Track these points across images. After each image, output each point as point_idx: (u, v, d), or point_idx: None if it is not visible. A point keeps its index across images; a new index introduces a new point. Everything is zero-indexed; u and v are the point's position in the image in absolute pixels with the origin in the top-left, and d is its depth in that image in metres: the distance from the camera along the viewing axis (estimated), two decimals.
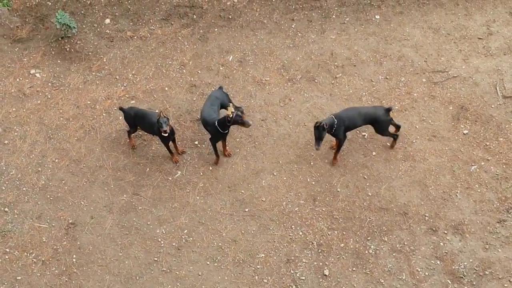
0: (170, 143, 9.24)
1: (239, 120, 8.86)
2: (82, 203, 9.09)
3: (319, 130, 8.81)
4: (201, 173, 9.34)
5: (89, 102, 10.05)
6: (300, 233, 8.77)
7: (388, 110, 9.13)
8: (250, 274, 8.47)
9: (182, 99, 10.08)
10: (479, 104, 9.97)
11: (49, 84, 10.24)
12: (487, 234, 8.75)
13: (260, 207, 9.01)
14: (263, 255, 8.60)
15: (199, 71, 10.42)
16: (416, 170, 9.34)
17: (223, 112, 9.09)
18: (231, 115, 8.80)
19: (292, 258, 8.58)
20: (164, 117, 8.82)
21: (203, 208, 9.02)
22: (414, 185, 9.20)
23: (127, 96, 10.10)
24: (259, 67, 10.49)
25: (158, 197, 9.11)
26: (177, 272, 8.49)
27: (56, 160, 9.46)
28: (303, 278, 8.43)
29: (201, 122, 9.39)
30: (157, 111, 9.33)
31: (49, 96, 10.11)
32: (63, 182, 9.26)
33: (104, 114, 9.92)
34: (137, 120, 9.25)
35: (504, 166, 9.35)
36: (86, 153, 9.55)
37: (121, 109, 9.40)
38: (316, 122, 8.82)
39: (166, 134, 8.87)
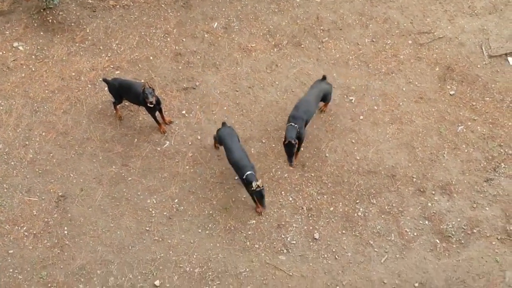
0: (157, 113, 9.20)
1: (258, 197, 8.38)
2: (71, 175, 9.08)
3: (290, 147, 8.51)
4: (190, 143, 9.34)
5: (73, 74, 9.96)
6: (290, 199, 8.84)
7: (325, 78, 9.19)
8: (241, 240, 8.55)
9: (168, 68, 10.01)
10: (465, 65, 9.98)
11: (33, 56, 10.12)
12: (475, 193, 8.86)
13: None
14: (254, 221, 8.68)
15: (184, 39, 10.33)
16: (403, 133, 9.38)
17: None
18: (255, 188, 8.27)
19: (283, 223, 8.67)
20: (149, 87, 8.76)
21: (193, 177, 9.04)
22: (402, 147, 9.26)
23: (111, 66, 10.01)
24: (244, 33, 10.40)
25: (147, 168, 9.12)
26: (169, 241, 8.56)
27: (43, 133, 9.41)
28: (294, 242, 8.53)
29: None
30: (142, 81, 9.27)
31: (33, 69, 10.00)
32: (51, 155, 9.23)
33: (89, 86, 9.84)
34: (122, 91, 9.18)
35: (490, 126, 9.41)
36: (73, 126, 9.50)
37: (104, 80, 9.31)
38: (284, 140, 8.48)
39: (152, 105, 8.83)
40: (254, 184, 8.20)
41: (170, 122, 9.46)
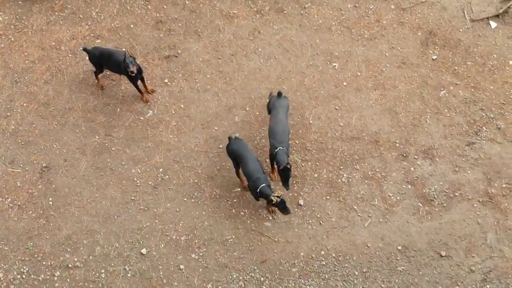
0: (139, 82, 9.14)
1: (281, 206, 8.10)
2: (54, 146, 9.03)
3: (286, 171, 8.14)
4: (173, 112, 9.30)
5: (53, 43, 9.82)
6: (275, 166, 8.88)
7: (280, 94, 8.75)
8: (227, 208, 8.61)
9: (149, 36, 9.89)
10: (447, 29, 9.99)
11: (12, 26, 9.93)
12: (457, 157, 8.97)
13: None
14: (239, 189, 8.72)
15: (165, 6, 10.19)
16: (386, 98, 9.42)
17: None
18: (275, 200, 8.02)
19: None
20: (130, 56, 8.68)
21: (177, 146, 9.04)
22: (385, 113, 9.31)
23: (92, 35, 9.87)
24: None
25: (131, 137, 9.09)
26: (155, 210, 8.59)
27: (25, 104, 9.32)
28: None
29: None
30: (123, 49, 9.17)
31: (12, 39, 9.84)
32: (33, 126, 9.16)
33: (70, 55, 9.71)
34: (102, 61, 9.08)
35: (472, 90, 9.48)
36: (55, 96, 9.41)
37: (85, 49, 9.19)
38: (279, 165, 8.12)
39: (134, 74, 8.76)
40: (273, 197, 7.96)
41: (153, 91, 9.40)
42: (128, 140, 9.07)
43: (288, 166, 8.09)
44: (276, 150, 8.24)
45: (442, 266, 8.23)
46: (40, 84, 9.49)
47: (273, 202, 7.98)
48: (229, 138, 8.47)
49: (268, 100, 8.91)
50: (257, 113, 9.29)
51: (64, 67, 9.62)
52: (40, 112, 9.27)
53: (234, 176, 8.76)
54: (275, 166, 8.32)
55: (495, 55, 9.76)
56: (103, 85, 9.42)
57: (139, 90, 9.21)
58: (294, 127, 9.15)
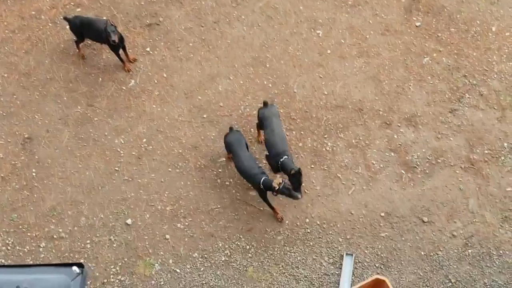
0: (120, 51, 9.02)
1: (286, 192, 7.89)
2: (36, 117, 8.94)
3: (297, 176, 7.88)
4: (156, 81, 9.22)
5: (33, 13, 9.62)
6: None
7: (266, 104, 8.46)
8: (212, 178, 8.63)
9: (130, 4, 9.73)
10: None
11: None
12: (439, 124, 9.03)
13: (218, 113, 9.03)
14: (224, 159, 8.73)
15: None
16: (370, 66, 9.41)
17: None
18: (278, 186, 7.83)
19: None
20: (112, 25, 8.55)
21: (160, 116, 8.99)
22: (369, 81, 9.31)
23: (72, 4, 9.68)
24: None
25: (113, 107, 9.01)
26: (139, 180, 8.59)
27: (5, 75, 9.18)
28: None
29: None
30: (104, 18, 9.02)
31: None
32: (15, 96, 9.04)
33: (50, 24, 9.54)
34: (83, 30, 8.93)
35: (455, 57, 9.49)
36: (36, 66, 9.27)
37: (65, 18, 9.02)
38: (291, 171, 7.86)
39: (115, 43, 8.64)
40: (274, 183, 7.81)
41: (134, 60, 9.29)
42: (111, 110, 9.00)
43: (299, 171, 7.89)
44: (281, 160, 8.01)
45: (424, 232, 8.35)
46: (21, 54, 9.34)
47: (276, 188, 7.82)
48: (230, 129, 8.32)
49: (257, 118, 8.51)
50: (241, 82, 9.24)
51: (45, 37, 9.46)
52: (21, 83, 9.14)
53: (219, 146, 8.77)
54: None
55: (478, 22, 9.76)
56: (84, 55, 9.29)
57: (121, 59, 9.10)
58: (278, 96, 9.14)
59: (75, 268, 7.31)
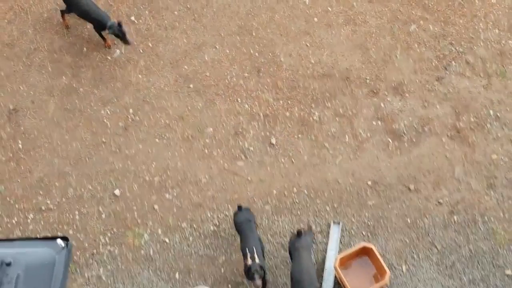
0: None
1: None
2: (21, 88, 8.85)
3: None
4: (141, 51, 9.13)
5: None
6: (246, 106, 8.86)
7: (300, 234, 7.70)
8: (199, 149, 8.63)
9: None
10: None
11: None
12: (426, 92, 9.05)
13: (205, 82, 8.98)
14: (211, 129, 8.72)
15: None
16: (357, 34, 9.36)
17: None
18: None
19: (240, 130, 8.74)
20: (119, 24, 8.56)
21: (146, 86, 8.92)
22: (355, 49, 9.28)
23: None
24: None
25: (98, 78, 8.93)
26: (127, 151, 8.57)
27: None
28: (251, 148, 8.65)
29: None
30: None
31: None
32: None
33: None
34: (72, 3, 8.80)
35: (442, 24, 9.46)
36: (19, 36, 9.13)
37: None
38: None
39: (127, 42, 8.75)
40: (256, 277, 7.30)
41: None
42: (96, 80, 8.91)
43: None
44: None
45: (410, 200, 8.44)
46: (4, 25, 9.18)
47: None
48: (239, 207, 7.80)
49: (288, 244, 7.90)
50: (227, 51, 9.17)
51: (27, 6, 9.29)
52: (4, 53, 9.02)
53: (205, 116, 8.77)
54: None
55: None
56: (68, 25, 9.15)
57: (103, 37, 8.97)
58: (265, 65, 9.10)
59: (59, 241, 7.15)
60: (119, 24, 8.56)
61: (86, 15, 8.77)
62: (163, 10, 9.37)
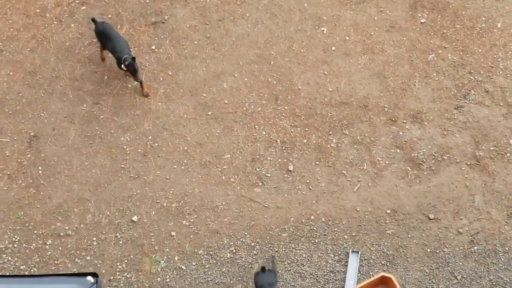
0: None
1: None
2: (42, 115, 8.98)
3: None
4: (161, 79, 9.24)
5: (38, 11, 9.67)
6: (264, 133, 8.90)
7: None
8: (217, 175, 8.65)
9: (135, 2, 9.75)
10: None
11: None
12: (445, 121, 9.02)
13: (223, 110, 9.05)
14: (229, 155, 8.75)
15: None
16: (375, 63, 9.40)
17: None
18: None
19: (257, 156, 8.76)
20: (132, 58, 8.62)
21: (166, 113, 9.01)
22: (373, 77, 9.31)
23: (77, 1, 9.71)
24: None
25: (119, 105, 9.04)
26: (145, 178, 8.61)
27: (11, 73, 9.22)
28: (269, 175, 8.65)
29: None
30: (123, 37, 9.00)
31: None
32: (20, 95, 9.08)
33: (55, 22, 9.58)
34: (102, 38, 8.91)
35: (461, 53, 9.48)
36: (41, 64, 9.31)
37: (93, 20, 8.98)
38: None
39: (139, 80, 8.78)
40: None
41: (147, 95, 9.15)
42: (117, 108, 9.03)
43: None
44: None
45: (430, 229, 8.34)
46: (26, 52, 9.38)
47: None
48: (263, 268, 7.67)
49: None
50: (246, 79, 9.25)
51: (50, 35, 9.49)
52: (26, 81, 9.18)
53: (223, 143, 8.80)
54: None
55: (483, 18, 9.74)
56: (105, 58, 9.24)
57: (141, 85, 9.05)
58: (282, 93, 9.15)
59: (89, 278, 7.24)
60: (133, 59, 8.63)
61: (113, 53, 8.87)
62: (183, 39, 9.51)
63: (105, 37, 8.88)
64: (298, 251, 8.22)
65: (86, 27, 9.50)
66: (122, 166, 8.67)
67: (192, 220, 8.37)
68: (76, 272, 7.93)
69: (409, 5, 9.84)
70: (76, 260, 8.12)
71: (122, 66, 8.69)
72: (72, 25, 9.40)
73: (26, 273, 8.04)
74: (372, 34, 9.61)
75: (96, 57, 9.33)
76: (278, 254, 8.15)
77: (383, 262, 8.17)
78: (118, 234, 8.28)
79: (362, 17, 9.71)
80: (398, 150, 8.82)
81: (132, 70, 8.66)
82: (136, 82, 8.95)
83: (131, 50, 8.96)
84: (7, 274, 7.99)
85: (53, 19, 9.60)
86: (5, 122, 8.87)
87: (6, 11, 9.64)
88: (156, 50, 9.44)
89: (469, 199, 8.53)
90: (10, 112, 8.95)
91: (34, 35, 9.50)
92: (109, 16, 9.54)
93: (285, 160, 8.73)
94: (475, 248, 8.23)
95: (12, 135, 8.81)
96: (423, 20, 9.72)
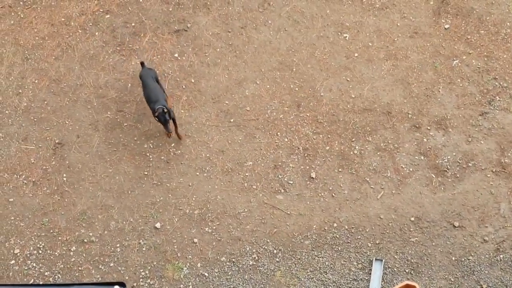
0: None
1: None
2: (67, 122, 9.08)
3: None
4: (184, 86, 9.29)
5: (63, 19, 9.80)
6: (286, 139, 8.88)
7: None
8: (239, 182, 8.65)
9: (158, 10, 9.83)
10: None
11: (21, 3, 9.91)
12: (470, 127, 8.91)
13: (245, 117, 9.06)
14: (251, 162, 8.75)
15: None
16: (398, 69, 9.34)
17: None
18: None
19: (279, 163, 8.75)
20: (164, 112, 8.33)
21: (188, 121, 9.04)
22: (397, 83, 9.24)
23: (101, 10, 9.82)
24: None
25: (142, 113, 9.10)
26: (168, 184, 8.65)
27: (36, 81, 9.35)
28: (291, 182, 8.63)
29: None
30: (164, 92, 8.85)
31: (22, 16, 9.83)
32: (45, 102, 9.20)
33: (79, 31, 9.69)
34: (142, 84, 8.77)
35: (485, 59, 9.37)
36: (66, 72, 9.42)
37: (142, 63, 8.85)
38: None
39: (168, 132, 8.57)
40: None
41: (180, 138, 8.95)
42: (140, 115, 9.09)
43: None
44: None
45: (455, 237, 8.24)
46: (51, 61, 9.50)
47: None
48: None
49: None
50: (268, 86, 9.25)
51: (74, 43, 9.61)
52: (51, 89, 9.30)
53: (245, 150, 8.80)
54: None
55: (508, 23, 9.62)
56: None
57: (168, 130, 8.66)
58: (305, 100, 9.13)
59: (116, 287, 7.34)
60: (164, 110, 8.37)
61: (148, 103, 8.64)
62: (206, 47, 9.55)
63: (142, 82, 8.70)
64: (320, 258, 8.17)
65: (110, 35, 9.61)
66: (145, 173, 8.72)
67: (214, 227, 8.38)
68: (102, 281, 8.00)
69: (433, 10, 9.76)
70: (100, 266, 8.18)
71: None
72: (96, 33, 9.50)
73: (51, 279, 8.12)
74: (395, 40, 9.55)
75: (120, 65, 9.42)
76: (301, 262, 8.12)
77: (407, 270, 8.08)
78: (141, 240, 8.32)
79: (385, 23, 9.65)
80: (422, 157, 8.73)
81: (162, 121, 8.39)
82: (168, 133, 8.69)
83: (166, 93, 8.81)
84: (31, 281, 8.08)
85: (78, 28, 9.72)
86: (30, 130, 8.99)
87: (31, 20, 9.79)
88: (179, 58, 9.50)
89: (495, 206, 8.40)
90: (35, 119, 9.07)
91: (59, 44, 9.62)
92: (133, 24, 9.63)
93: (308, 167, 8.70)
94: (501, 256, 8.10)
95: (37, 142, 8.93)
96: (446, 26, 9.63)
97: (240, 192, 8.58)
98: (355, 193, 8.53)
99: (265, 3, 9.86)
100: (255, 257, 8.21)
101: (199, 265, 8.19)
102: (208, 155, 8.82)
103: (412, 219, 8.37)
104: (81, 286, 7.53)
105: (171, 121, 8.51)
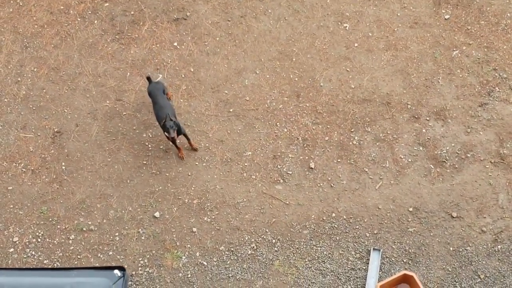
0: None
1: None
2: (66, 111, 9.06)
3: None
4: (183, 76, 9.27)
5: (62, 7, 9.75)
6: (285, 130, 8.88)
7: None
8: (238, 172, 8.66)
9: None
10: None
11: None
12: (469, 118, 8.91)
13: (245, 107, 9.05)
14: (250, 152, 8.76)
15: None
16: (398, 59, 9.32)
17: None
18: None
19: (279, 154, 8.75)
20: (171, 120, 8.14)
21: (187, 110, 9.04)
22: (397, 74, 9.23)
23: None
24: None
25: (141, 102, 9.09)
26: (167, 174, 8.65)
27: (35, 69, 9.32)
28: (290, 172, 8.64)
29: None
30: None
31: (21, 4, 9.78)
32: (44, 91, 9.18)
33: (78, 19, 9.65)
34: (151, 99, 8.62)
35: (485, 50, 9.35)
36: (65, 61, 9.40)
37: (148, 78, 8.66)
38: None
39: (172, 138, 8.32)
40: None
41: (195, 149, 8.78)
42: (139, 104, 9.07)
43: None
44: None
45: (453, 227, 8.26)
46: (50, 49, 9.47)
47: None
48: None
49: None
50: (267, 76, 9.24)
51: (73, 32, 9.57)
52: (50, 77, 9.28)
53: (245, 140, 8.80)
54: None
55: (508, 14, 9.59)
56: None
57: (177, 147, 8.65)
58: (304, 90, 9.12)
59: (116, 271, 7.41)
60: (172, 121, 8.19)
61: (157, 120, 8.50)
62: (205, 36, 9.52)
63: (152, 99, 8.56)
64: (319, 248, 8.20)
65: (109, 24, 9.57)
66: (144, 162, 8.72)
67: (213, 217, 8.40)
68: (104, 266, 8.01)
69: (433, 1, 9.73)
70: (99, 255, 8.20)
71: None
72: (95, 21, 9.45)
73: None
74: (395, 30, 9.52)
75: (119, 54, 9.39)
76: (299, 251, 8.15)
77: (405, 260, 8.11)
78: (140, 229, 8.34)
79: (385, 13, 9.62)
80: (421, 148, 8.74)
81: (165, 128, 8.18)
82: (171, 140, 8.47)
83: (174, 109, 8.63)
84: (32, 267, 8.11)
85: (77, 16, 9.67)
86: (29, 118, 8.98)
87: (30, 8, 9.74)
88: (178, 47, 9.47)
89: (493, 197, 8.42)
90: (34, 108, 9.05)
91: (58, 32, 9.58)
92: (132, 12, 9.59)
93: (307, 158, 8.71)
94: (499, 247, 8.13)
95: (36, 130, 8.92)
96: (447, 16, 9.61)
97: (239, 182, 8.59)
98: (353, 183, 8.55)
99: None
100: (253, 247, 8.23)
101: (198, 254, 8.22)
102: (207, 145, 8.81)
103: (410, 209, 8.39)
104: (81, 270, 7.56)
105: (179, 137, 8.40)
